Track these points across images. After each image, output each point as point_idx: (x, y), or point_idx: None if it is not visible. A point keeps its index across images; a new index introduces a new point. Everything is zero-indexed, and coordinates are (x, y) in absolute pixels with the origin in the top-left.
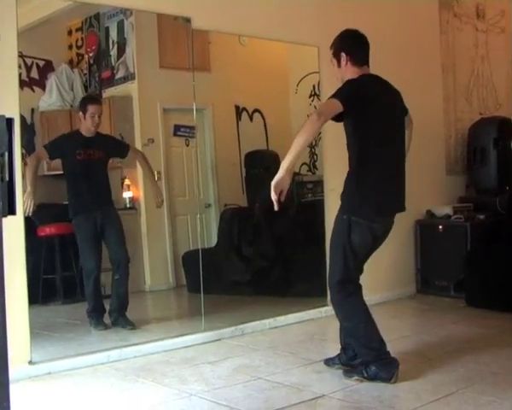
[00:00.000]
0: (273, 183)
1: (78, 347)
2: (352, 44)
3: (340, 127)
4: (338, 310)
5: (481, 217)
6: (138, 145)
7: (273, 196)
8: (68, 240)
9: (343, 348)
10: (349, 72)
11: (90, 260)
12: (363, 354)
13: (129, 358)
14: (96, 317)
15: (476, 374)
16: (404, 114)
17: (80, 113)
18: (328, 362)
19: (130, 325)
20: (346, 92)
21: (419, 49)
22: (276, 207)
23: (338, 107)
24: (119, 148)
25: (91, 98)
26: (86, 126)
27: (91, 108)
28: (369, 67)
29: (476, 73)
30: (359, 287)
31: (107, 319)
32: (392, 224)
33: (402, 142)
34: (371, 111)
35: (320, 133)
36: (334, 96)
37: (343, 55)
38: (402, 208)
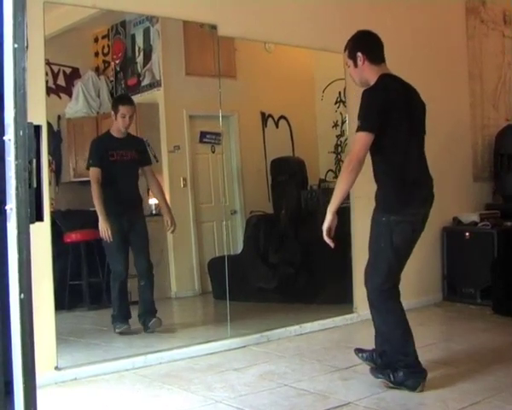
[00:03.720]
0: (324, 228)
1: (103, 353)
2: (366, 43)
3: None
4: (376, 314)
5: (508, 224)
6: (164, 152)
7: (326, 239)
8: (94, 246)
9: (380, 355)
10: (367, 70)
11: (117, 263)
12: (397, 360)
13: (154, 364)
14: (121, 321)
15: (503, 383)
16: (422, 111)
17: (112, 113)
18: (358, 353)
19: (154, 318)
20: (370, 117)
21: (446, 56)
22: (332, 246)
23: (369, 139)
24: (143, 155)
25: (123, 98)
26: (117, 127)
27: (122, 109)
28: (386, 64)
29: (503, 80)
30: (398, 292)
31: (132, 325)
32: (428, 214)
33: (421, 133)
34: (394, 114)
35: (346, 139)
36: (361, 127)
37: (359, 54)
38: (433, 195)
